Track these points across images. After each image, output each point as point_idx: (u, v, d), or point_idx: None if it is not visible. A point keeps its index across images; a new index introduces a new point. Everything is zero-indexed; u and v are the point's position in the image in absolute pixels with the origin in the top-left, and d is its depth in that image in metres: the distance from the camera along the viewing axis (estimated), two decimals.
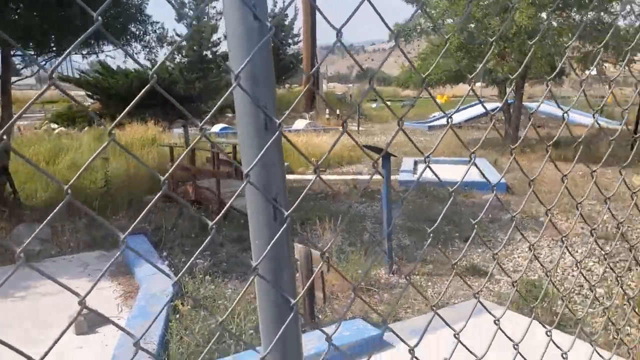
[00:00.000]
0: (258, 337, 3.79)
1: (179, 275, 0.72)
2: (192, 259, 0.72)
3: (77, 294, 0.69)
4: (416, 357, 1.04)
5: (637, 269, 5.46)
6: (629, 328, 4.21)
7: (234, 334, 2.81)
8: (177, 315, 4.07)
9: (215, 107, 0.80)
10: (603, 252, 1.72)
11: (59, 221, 6.90)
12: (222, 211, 0.82)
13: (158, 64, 0.83)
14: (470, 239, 1.33)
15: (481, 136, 15.91)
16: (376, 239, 6.30)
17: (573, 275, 5.38)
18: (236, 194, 0.82)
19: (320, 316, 4.19)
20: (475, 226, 1.24)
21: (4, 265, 5.63)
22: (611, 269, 1.82)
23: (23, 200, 7.85)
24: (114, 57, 15.98)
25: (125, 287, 5.13)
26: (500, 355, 1.77)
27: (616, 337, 3.97)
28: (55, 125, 19.13)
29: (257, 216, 0.82)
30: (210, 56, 22.19)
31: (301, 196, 0.87)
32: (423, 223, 6.91)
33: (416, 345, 1.04)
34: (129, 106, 0.69)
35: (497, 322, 1.23)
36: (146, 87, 0.64)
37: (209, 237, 0.75)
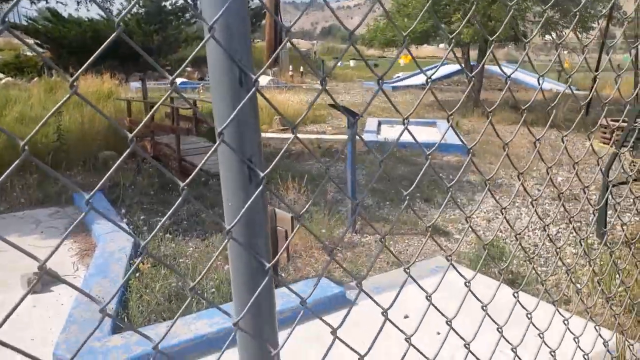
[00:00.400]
0: (220, 295, 3.79)
1: (151, 235, 0.68)
2: (165, 219, 0.68)
3: (36, 259, 0.64)
4: (389, 320, 1.04)
5: (587, 229, 5.73)
6: (579, 285, 4.45)
7: (208, 299, 2.75)
8: (137, 274, 4.01)
9: (188, 59, 0.74)
10: (568, 216, 1.77)
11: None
12: (193, 174, 0.78)
13: (124, 12, 0.76)
14: (446, 200, 1.33)
15: (444, 98, 16.01)
16: (343, 199, 6.34)
17: (528, 236, 5.60)
18: (210, 153, 0.77)
19: (283, 274, 4.22)
20: (450, 189, 1.24)
21: None
22: (574, 230, 1.88)
23: None
24: (65, 3, 15.02)
25: (82, 245, 5.00)
26: (466, 308, 1.81)
27: (571, 293, 4.18)
28: (2, 75, 18.05)
29: (230, 177, 0.78)
30: (170, 7, 21.22)
31: (278, 156, 0.83)
32: (386, 183, 6.99)
33: (389, 308, 1.04)
34: (92, 56, 0.62)
35: (467, 284, 1.25)
36: (112, 37, 0.58)
37: (180, 198, 0.71)
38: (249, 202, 0.75)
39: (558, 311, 1.53)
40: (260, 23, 25.22)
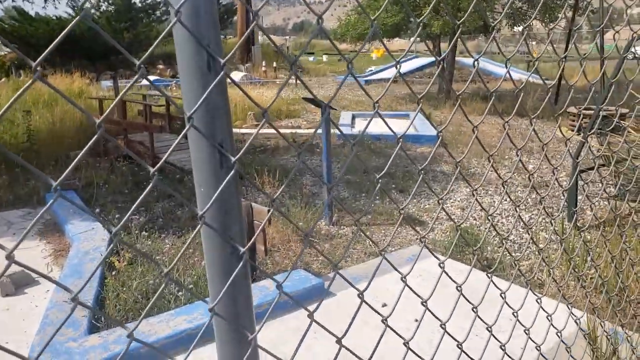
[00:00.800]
0: (198, 291, 3.77)
1: (122, 221, 0.68)
2: (135, 205, 0.68)
3: (2, 247, 0.63)
4: (365, 301, 1.06)
5: (560, 215, 5.88)
6: (553, 270, 4.56)
7: (182, 284, 2.78)
8: (113, 272, 3.96)
9: (150, 49, 0.73)
10: (540, 200, 1.82)
11: None
12: (163, 159, 0.78)
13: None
14: (417, 183, 1.36)
15: (416, 90, 16.21)
16: (317, 191, 6.36)
17: (502, 223, 5.71)
18: (180, 136, 0.77)
19: (261, 268, 4.22)
20: (422, 172, 1.26)
21: None
22: (546, 213, 1.93)
23: None
24: (32, 2, 14.61)
25: (55, 245, 4.91)
26: (441, 297, 1.85)
27: (544, 277, 4.29)
28: None
29: (201, 163, 0.78)
30: (140, 5, 20.81)
31: (247, 142, 0.84)
32: (361, 175, 7.04)
33: (365, 290, 1.06)
34: (52, 43, 0.61)
35: (441, 265, 1.27)
36: (66, 30, 0.58)
37: (151, 184, 0.71)
38: (220, 187, 0.75)
39: (532, 291, 1.58)
40: (231, 19, 25.01)
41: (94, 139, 0.64)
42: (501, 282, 3.92)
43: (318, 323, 0.95)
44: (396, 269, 1.18)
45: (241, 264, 0.79)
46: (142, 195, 0.70)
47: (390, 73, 19.01)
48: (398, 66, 1.12)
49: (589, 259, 4.31)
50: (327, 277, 3.99)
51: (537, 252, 4.88)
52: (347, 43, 13.05)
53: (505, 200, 6.41)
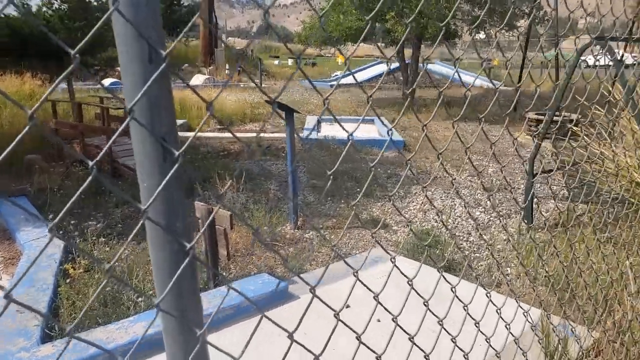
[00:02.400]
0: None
1: (59, 215, 0.65)
2: (74, 197, 0.65)
3: None
4: (317, 296, 1.05)
5: (516, 216, 6.03)
6: (509, 269, 4.67)
7: (121, 279, 2.71)
8: (68, 280, 3.82)
9: (85, 39, 0.70)
10: (488, 194, 1.85)
11: None
12: (102, 153, 0.75)
13: None
14: (368, 180, 1.36)
15: (381, 96, 16.42)
16: (282, 196, 6.32)
17: (462, 224, 5.81)
18: (120, 129, 0.75)
19: (224, 273, 4.16)
20: (372, 169, 1.26)
21: None
22: (499, 214, 1.97)
23: None
24: None
25: (6, 253, 4.72)
26: (397, 295, 1.86)
27: (500, 276, 4.38)
28: None
29: (144, 157, 0.76)
30: (96, 3, 20.34)
31: (194, 133, 0.82)
32: (327, 180, 7.05)
33: (316, 285, 1.05)
34: None
35: (392, 260, 1.28)
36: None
37: (90, 176, 0.68)
38: (164, 181, 0.73)
39: (482, 286, 1.60)
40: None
41: (24, 130, 0.61)
42: (455, 280, 3.98)
43: (270, 319, 0.94)
44: (348, 264, 1.18)
45: (187, 260, 0.77)
46: (78, 192, 0.67)
47: (358, 77, 19.12)
48: (347, 63, 1.12)
49: (544, 257, 4.43)
50: (291, 281, 3.96)
51: (491, 253, 5.00)
52: (312, 47, 13.07)
53: (465, 201, 6.53)
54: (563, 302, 2.81)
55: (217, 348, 0.81)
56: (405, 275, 1.40)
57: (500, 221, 5.92)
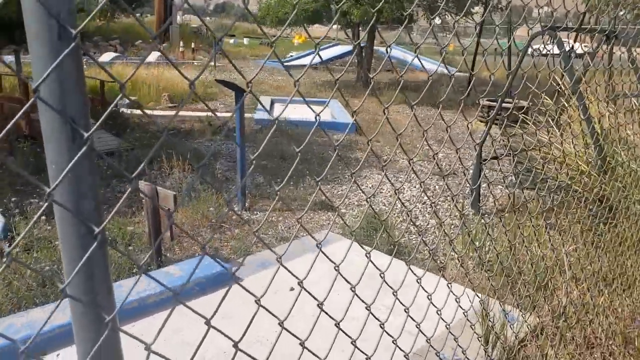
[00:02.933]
0: None
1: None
2: None
3: None
4: (284, 266, 1.07)
5: (462, 201, 6.24)
6: (454, 253, 4.83)
7: (23, 262, 2.60)
8: (3, 260, 3.68)
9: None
10: (447, 190, 1.91)
11: None
12: (7, 127, 0.73)
13: None
14: (332, 160, 1.38)
15: (339, 76, 16.29)
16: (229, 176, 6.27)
17: (417, 207, 5.95)
18: (23, 109, 0.73)
19: (168, 254, 4.12)
20: (299, 154, 1.28)
21: None
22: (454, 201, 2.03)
23: None
24: None
25: None
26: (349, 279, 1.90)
27: (446, 263, 4.54)
28: None
29: (52, 138, 0.74)
30: None
31: (103, 117, 0.81)
32: (278, 161, 7.04)
33: (243, 260, 1.07)
34: None
35: (318, 245, 1.31)
36: None
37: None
38: (71, 163, 0.72)
39: (410, 270, 1.66)
40: None
41: (29, 103, 0.61)
42: (386, 262, 4.10)
43: (185, 305, 0.95)
44: (271, 250, 1.20)
45: (95, 244, 0.76)
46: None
47: (309, 60, 19.01)
48: (317, 51, 1.13)
49: (487, 243, 4.62)
50: (235, 263, 3.97)
51: (440, 237, 5.16)
52: (267, 27, 12.90)
53: (415, 186, 6.69)
54: (502, 286, 2.95)
55: (127, 333, 0.82)
56: (331, 261, 1.44)
57: (449, 205, 6.10)
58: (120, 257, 3.87)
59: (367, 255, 1.49)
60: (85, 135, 0.74)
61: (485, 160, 5.76)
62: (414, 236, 5.17)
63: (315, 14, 12.56)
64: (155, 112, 9.36)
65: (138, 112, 8.81)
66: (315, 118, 1.33)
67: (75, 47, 0.72)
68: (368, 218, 5.09)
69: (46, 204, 0.72)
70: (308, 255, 4.12)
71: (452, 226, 5.49)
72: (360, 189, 1.86)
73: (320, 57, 1.25)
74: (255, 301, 1.11)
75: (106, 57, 17.23)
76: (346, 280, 1.42)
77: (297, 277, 1.27)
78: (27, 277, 3.52)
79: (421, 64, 1.64)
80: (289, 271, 1.25)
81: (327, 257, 1.37)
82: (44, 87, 0.72)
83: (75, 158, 0.73)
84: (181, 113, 9.21)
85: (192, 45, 20.41)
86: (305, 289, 1.27)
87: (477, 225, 5.09)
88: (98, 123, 0.75)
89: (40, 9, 0.70)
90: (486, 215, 5.92)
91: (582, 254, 3.06)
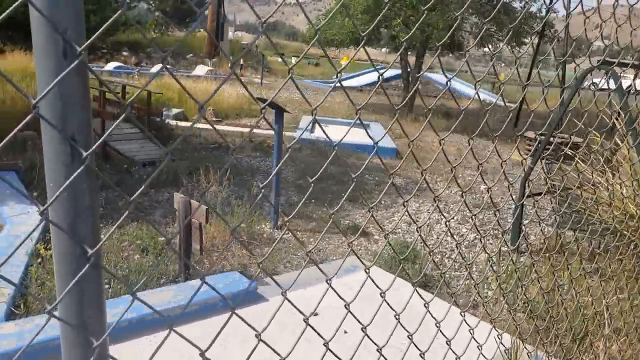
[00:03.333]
0: (131, 285, 3.65)
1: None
2: None
3: None
4: (288, 299, 1.03)
5: (503, 237, 6.01)
6: (488, 292, 4.63)
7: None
8: (39, 260, 3.80)
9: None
10: (471, 215, 1.83)
11: None
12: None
13: None
14: (349, 191, 1.34)
15: (380, 101, 16.34)
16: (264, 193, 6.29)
17: (446, 240, 5.78)
18: (21, 125, 0.71)
19: (197, 267, 4.13)
20: (355, 179, 1.24)
21: None
22: (478, 231, 1.94)
23: None
24: None
25: None
26: (368, 307, 1.83)
27: (477, 298, 4.36)
28: None
29: (51, 156, 0.73)
30: None
31: (104, 136, 0.79)
32: (314, 181, 7.00)
33: (288, 289, 1.03)
34: None
35: (367, 270, 1.26)
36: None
37: None
38: (66, 183, 0.70)
39: (456, 304, 1.58)
40: (203, 12, 24.61)
41: (27, 119, 0.60)
42: (429, 297, 3.94)
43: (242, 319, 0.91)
44: (321, 270, 1.15)
45: (87, 266, 0.74)
46: None
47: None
48: (339, 75, 1.12)
49: (525, 282, 4.40)
50: (262, 282, 3.93)
51: (469, 273, 4.97)
52: (316, 47, 13.05)
53: (454, 219, 6.51)
54: (539, 330, 2.78)
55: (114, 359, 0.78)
56: (378, 287, 1.39)
57: (482, 241, 5.89)
58: (149, 267, 3.91)
59: (413, 286, 1.42)
60: (84, 154, 0.72)
61: (528, 195, 5.53)
62: (447, 269, 5.01)
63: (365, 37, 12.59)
64: (200, 126, 9.56)
65: (182, 124, 9.02)
66: (333, 148, 1.27)
67: (80, 64, 0.70)
68: (400, 247, 4.97)
69: (38, 224, 0.70)
70: (335, 281, 4.04)
71: (489, 263, 5.28)
72: (411, 217, 1.79)
73: (341, 83, 1.21)
74: (304, 320, 1.06)
75: (157, 68, 17.87)
76: (391, 308, 1.35)
77: (344, 300, 1.21)
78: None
79: (478, 97, 1.57)
80: (337, 293, 1.19)
81: (375, 284, 1.31)
82: (46, 103, 0.70)
83: (72, 177, 0.70)
84: (224, 128, 9.37)
85: (241, 61, 20.89)
86: (352, 313, 1.21)
87: (515, 263, 4.88)
88: (97, 144, 0.73)
89: (46, 24, 0.69)
90: (525, 254, 5.67)
91: (627, 305, 2.86)
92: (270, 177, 1.40)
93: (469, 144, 1.66)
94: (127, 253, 4.22)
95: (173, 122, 9.11)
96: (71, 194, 0.73)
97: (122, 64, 18.92)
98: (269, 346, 1.09)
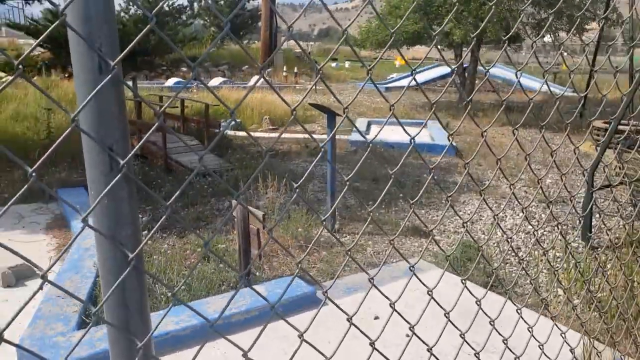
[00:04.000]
0: (190, 292, 3.77)
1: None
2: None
3: (36, 267, 0.64)
4: (354, 324, 1.03)
5: (572, 233, 5.71)
6: (559, 290, 4.41)
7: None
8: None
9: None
10: (547, 202, 1.76)
11: None
12: (137, 146, 0.76)
13: None
14: (425, 185, 1.33)
15: (434, 98, 15.98)
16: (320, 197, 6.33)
17: (512, 239, 5.57)
18: (61, 138, 0.76)
19: (257, 273, 4.21)
20: (392, 176, 1.23)
21: None
22: (560, 230, 1.86)
23: None
24: (57, 4, 14.98)
25: (60, 240, 5.00)
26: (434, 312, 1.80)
27: (550, 300, 4.16)
28: (2, 74, 18.05)
29: (92, 165, 0.77)
30: (167, 8, 21.25)
31: (137, 146, 0.82)
32: (370, 183, 6.98)
33: (354, 314, 1.04)
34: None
35: (411, 268, 1.24)
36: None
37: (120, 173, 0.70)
38: (106, 189, 0.74)
39: (510, 300, 1.52)
40: (256, 24, 25.22)
41: (66, 132, 0.66)
42: (481, 293, 3.80)
43: (307, 342, 0.93)
44: (364, 270, 1.15)
45: (129, 269, 0.77)
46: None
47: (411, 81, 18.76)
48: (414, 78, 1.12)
49: (597, 278, 4.15)
50: (321, 286, 3.95)
51: (542, 270, 4.75)
52: (367, 50, 13.02)
53: (518, 214, 6.27)
54: (610, 327, 2.62)
55: None
56: (425, 285, 1.37)
57: (555, 236, 5.62)
58: (212, 273, 4.03)
59: (462, 283, 1.38)
60: (121, 162, 0.75)
61: (598, 189, 5.23)
62: (515, 268, 4.81)
63: (416, 35, 12.42)
64: (256, 134, 9.76)
65: (240, 134, 9.25)
66: (411, 141, 1.29)
67: (114, 78, 0.74)
68: (463, 247, 4.83)
69: (81, 229, 0.74)
70: (395, 283, 3.99)
71: (558, 259, 5.04)
72: (457, 215, 1.76)
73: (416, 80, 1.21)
74: (347, 319, 1.06)
75: (215, 81, 18.44)
76: (440, 307, 1.33)
77: (389, 299, 1.20)
78: None
79: (520, 85, 1.51)
80: (382, 293, 1.19)
81: (421, 281, 1.29)
82: (84, 116, 0.74)
83: (110, 185, 0.74)
84: (279, 135, 9.52)
85: (295, 69, 21.20)
86: (398, 312, 1.20)
87: (587, 258, 4.61)
88: (133, 151, 0.76)
89: (82, 42, 0.73)
90: (598, 249, 5.36)
91: None
92: (305, 174, 1.41)
93: (540, 134, 1.59)
94: (190, 261, 4.36)
95: (231, 133, 9.36)
96: (111, 202, 0.77)
97: (181, 79, 19.71)
98: (312, 346, 1.09)
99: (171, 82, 18.34)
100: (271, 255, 4.58)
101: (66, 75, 15.57)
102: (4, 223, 5.38)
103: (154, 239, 4.78)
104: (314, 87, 15.71)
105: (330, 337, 3.25)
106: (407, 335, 3.44)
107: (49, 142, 8.08)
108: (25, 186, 0.65)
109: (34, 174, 0.60)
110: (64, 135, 0.71)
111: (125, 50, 0.74)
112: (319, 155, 1.09)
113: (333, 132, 1.51)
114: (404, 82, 18.80)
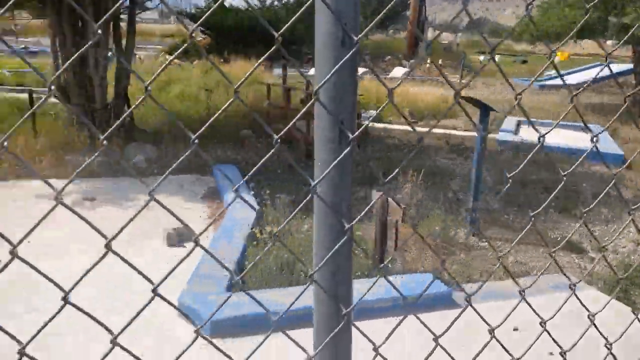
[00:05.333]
0: None
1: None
2: (259, 164, 0.72)
3: (190, 230, 0.75)
4: (496, 337, 1.01)
5: None
6: None
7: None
8: (255, 243, 4.27)
9: (285, 26, 0.78)
10: None
11: (164, 144, 7.43)
12: (285, 129, 0.81)
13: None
14: (551, 199, 1.24)
15: (602, 101, 14.51)
16: (460, 198, 6.10)
17: None
18: (304, 109, 0.80)
19: (389, 265, 4.20)
20: (564, 178, 1.14)
21: (116, 177, 6.22)
22: None
23: (136, 122, 8.41)
24: None
25: (214, 210, 5.46)
26: (576, 329, 1.66)
27: None
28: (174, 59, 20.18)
29: (321, 136, 0.81)
30: None
31: (370, 119, 0.84)
32: (517, 186, 6.53)
33: (497, 327, 1.01)
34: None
35: (572, 286, 1.15)
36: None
37: (273, 149, 0.75)
38: (334, 162, 0.77)
39: None
40: (404, 13, 24.98)
41: (228, 103, 0.71)
42: None
43: (442, 348, 0.93)
44: (515, 280, 1.09)
45: (344, 238, 0.80)
46: (262, 160, 0.74)
47: (573, 79, 17.13)
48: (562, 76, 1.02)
49: None
50: (458, 288, 3.82)
51: None
52: (524, 42, 12.06)
53: None
54: None
55: (360, 331, 0.83)
56: (586, 308, 1.26)
57: None
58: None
59: (634, 313, 1.25)
60: (350, 136, 0.78)
61: None
62: None
63: (586, 28, 10.98)
64: (395, 127, 9.71)
65: (378, 125, 9.26)
66: (539, 139, 1.12)
67: (355, 53, 0.76)
68: (625, 268, 4.34)
69: (309, 196, 0.78)
70: (540, 297, 3.72)
71: None
72: (637, 227, 1.58)
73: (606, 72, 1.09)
74: (489, 330, 1.03)
75: (397, 72, 18.74)
76: (602, 335, 1.22)
77: (540, 317, 1.13)
78: (270, 262, 3.99)
79: None
80: (532, 308, 1.12)
81: (582, 303, 1.19)
82: (322, 91, 0.78)
83: (339, 157, 0.77)
84: (420, 129, 9.36)
85: (440, 61, 20.61)
86: (548, 332, 1.13)
87: None
88: (362, 128, 0.78)
89: (330, 18, 0.77)
90: None
91: None
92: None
93: None
94: None
95: (369, 124, 9.45)
96: (336, 173, 0.80)
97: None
98: (446, 352, 1.04)
99: (314, 71, 19.02)
100: (404, 250, 4.54)
101: (221, 60, 16.93)
102: (169, 189, 6.01)
103: (296, 219, 4.99)
104: (458, 81, 15.18)
105: (463, 343, 3.13)
106: (551, 354, 3.20)
107: (207, 119, 8.82)
108: (189, 151, 0.71)
109: (196, 141, 0.64)
110: (225, 106, 0.75)
111: (368, 28, 0.76)
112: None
113: (484, 127, 1.40)
114: (561, 81, 17.21)
